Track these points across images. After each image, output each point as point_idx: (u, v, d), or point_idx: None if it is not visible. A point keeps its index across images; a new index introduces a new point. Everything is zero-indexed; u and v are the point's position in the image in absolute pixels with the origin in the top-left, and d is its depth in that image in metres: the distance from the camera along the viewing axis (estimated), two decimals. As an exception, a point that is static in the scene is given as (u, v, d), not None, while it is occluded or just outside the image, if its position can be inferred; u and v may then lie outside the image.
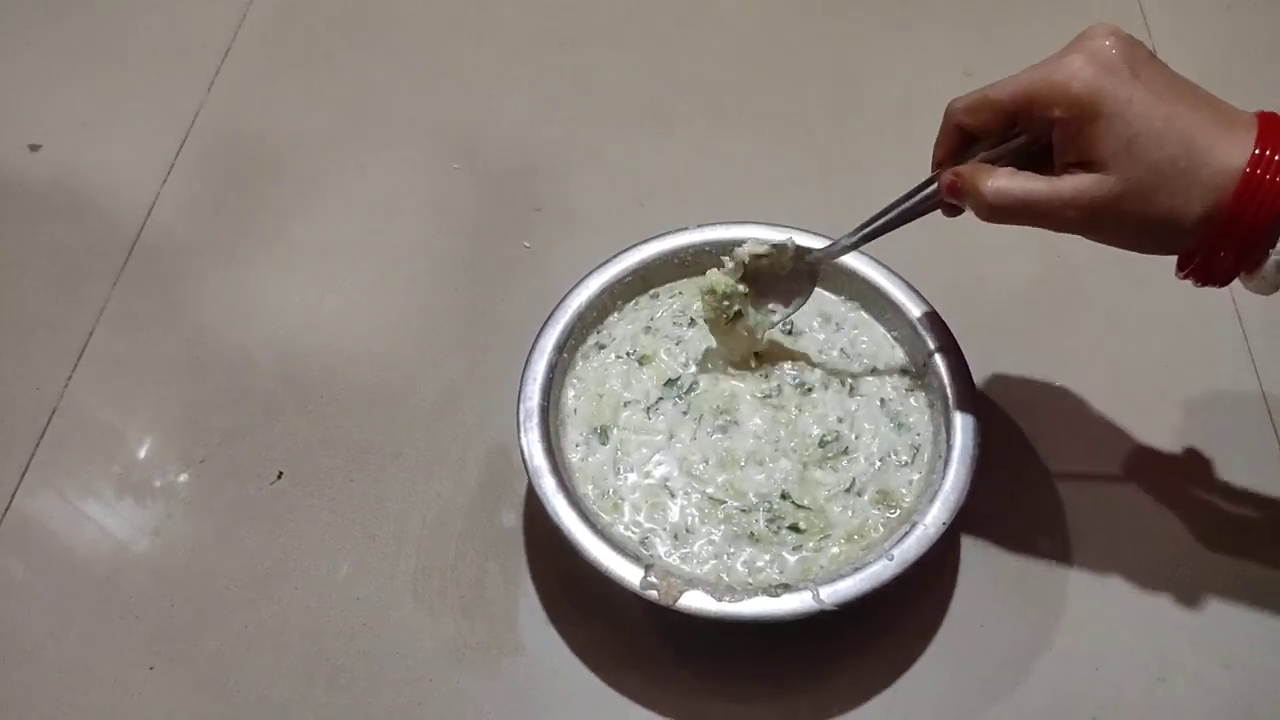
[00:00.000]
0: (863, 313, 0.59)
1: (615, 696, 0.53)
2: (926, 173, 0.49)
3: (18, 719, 0.53)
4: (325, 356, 0.66)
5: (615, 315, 0.59)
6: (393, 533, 0.58)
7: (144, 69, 0.82)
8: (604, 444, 0.55)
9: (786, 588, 0.48)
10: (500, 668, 0.54)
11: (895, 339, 0.58)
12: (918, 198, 0.49)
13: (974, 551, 0.57)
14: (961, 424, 0.52)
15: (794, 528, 0.52)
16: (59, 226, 0.72)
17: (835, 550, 0.51)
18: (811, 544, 0.51)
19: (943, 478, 0.51)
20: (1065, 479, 0.59)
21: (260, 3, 0.86)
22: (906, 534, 0.49)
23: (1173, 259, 0.44)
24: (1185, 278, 0.44)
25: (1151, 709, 0.52)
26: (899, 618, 0.55)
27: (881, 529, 0.51)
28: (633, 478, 0.54)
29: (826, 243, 0.55)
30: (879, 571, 0.48)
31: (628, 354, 0.58)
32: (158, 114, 0.78)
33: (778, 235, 0.56)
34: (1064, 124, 0.42)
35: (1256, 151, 0.40)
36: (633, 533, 0.52)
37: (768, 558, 0.51)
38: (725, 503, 0.53)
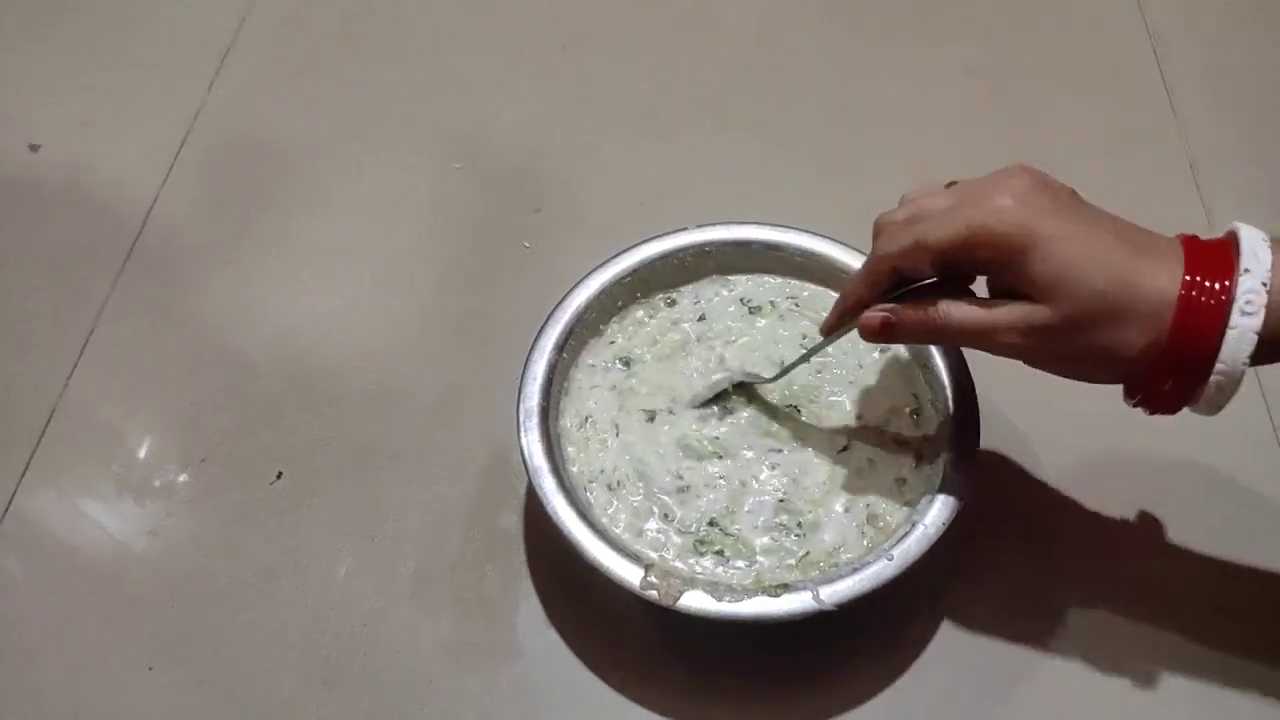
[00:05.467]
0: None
1: (615, 697, 0.53)
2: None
3: (18, 719, 0.53)
4: (325, 356, 0.66)
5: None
6: (392, 533, 0.58)
7: (144, 69, 0.82)
8: (625, 369, 0.57)
9: (786, 588, 0.48)
10: (500, 667, 0.54)
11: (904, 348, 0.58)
12: (835, 337, 0.50)
13: (974, 552, 0.56)
14: (961, 425, 0.52)
15: (719, 552, 0.51)
16: (59, 226, 0.72)
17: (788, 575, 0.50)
18: (741, 563, 0.51)
19: (943, 478, 0.51)
20: (1065, 477, 0.59)
21: (261, 2, 0.86)
22: (906, 534, 0.49)
23: None
24: (1135, 406, 0.45)
25: (1150, 711, 0.52)
26: (899, 618, 0.55)
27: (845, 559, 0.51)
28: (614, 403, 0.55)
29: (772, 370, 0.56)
30: (879, 571, 0.48)
31: (741, 300, 0.59)
32: (158, 114, 0.78)
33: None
34: (995, 262, 0.42)
35: (1187, 278, 0.40)
36: (583, 471, 0.53)
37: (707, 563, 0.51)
38: (644, 480, 0.53)
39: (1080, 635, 0.54)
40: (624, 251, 0.59)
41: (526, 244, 0.71)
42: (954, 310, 0.44)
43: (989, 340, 0.44)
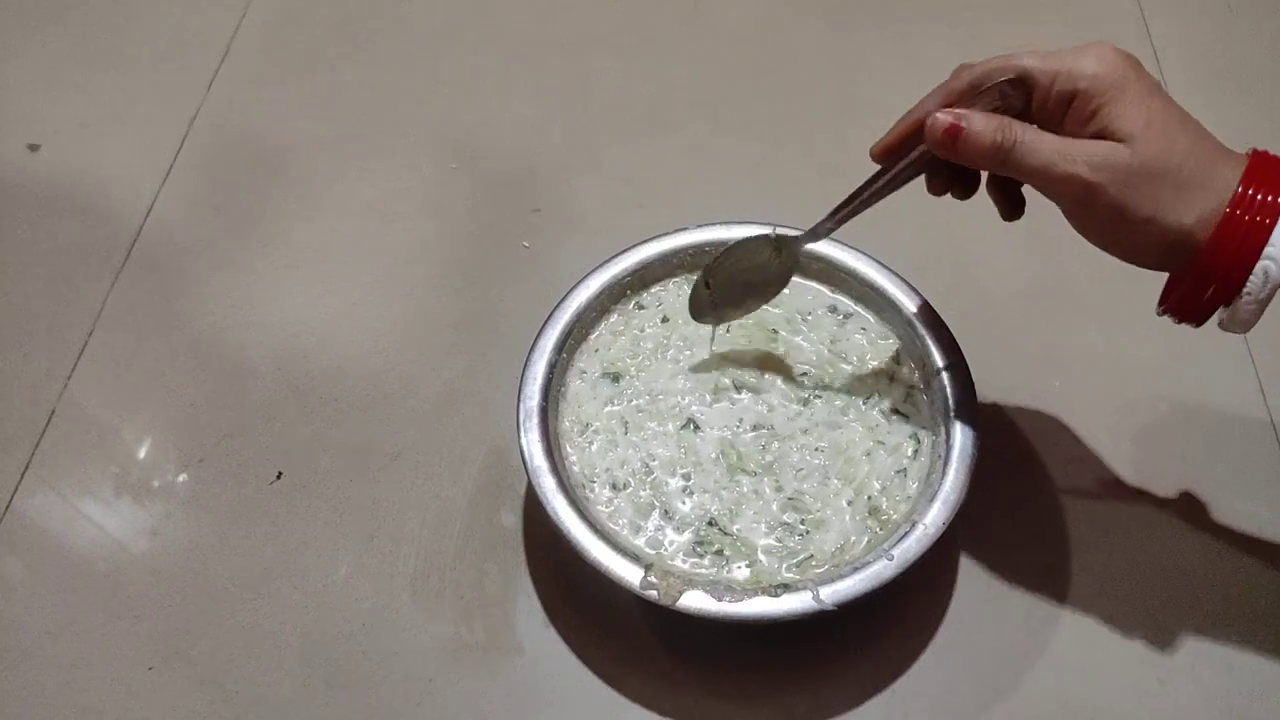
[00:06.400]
0: (862, 311, 0.59)
1: (615, 697, 0.53)
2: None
3: (17, 719, 0.53)
4: (325, 357, 0.66)
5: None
6: (392, 533, 0.58)
7: (144, 69, 0.82)
8: (614, 383, 0.56)
9: (786, 588, 0.48)
10: (499, 668, 0.54)
11: (896, 338, 0.58)
12: (898, 167, 0.48)
13: (973, 553, 0.57)
14: (961, 425, 0.52)
15: (719, 552, 0.51)
16: (59, 226, 0.72)
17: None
18: (743, 564, 0.51)
19: (942, 478, 0.51)
20: (1064, 480, 0.59)
21: (260, 3, 0.86)
22: (906, 534, 0.49)
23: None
24: (1164, 314, 0.45)
25: (1150, 712, 0.52)
26: (899, 618, 0.55)
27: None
28: (609, 408, 0.55)
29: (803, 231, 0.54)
30: (879, 571, 0.48)
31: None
32: (157, 114, 0.78)
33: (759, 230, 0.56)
34: (1086, 96, 0.42)
35: (1240, 189, 0.40)
36: (582, 469, 0.53)
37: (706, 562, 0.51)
38: (654, 473, 0.54)
39: (1080, 635, 0.54)
40: (623, 252, 0.59)
41: (526, 244, 0.71)
42: (1029, 131, 0.43)
43: (1057, 170, 0.42)
